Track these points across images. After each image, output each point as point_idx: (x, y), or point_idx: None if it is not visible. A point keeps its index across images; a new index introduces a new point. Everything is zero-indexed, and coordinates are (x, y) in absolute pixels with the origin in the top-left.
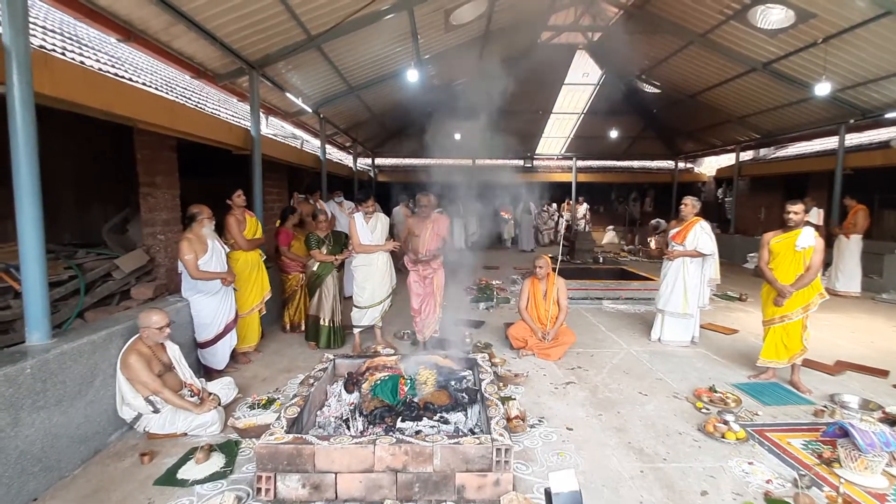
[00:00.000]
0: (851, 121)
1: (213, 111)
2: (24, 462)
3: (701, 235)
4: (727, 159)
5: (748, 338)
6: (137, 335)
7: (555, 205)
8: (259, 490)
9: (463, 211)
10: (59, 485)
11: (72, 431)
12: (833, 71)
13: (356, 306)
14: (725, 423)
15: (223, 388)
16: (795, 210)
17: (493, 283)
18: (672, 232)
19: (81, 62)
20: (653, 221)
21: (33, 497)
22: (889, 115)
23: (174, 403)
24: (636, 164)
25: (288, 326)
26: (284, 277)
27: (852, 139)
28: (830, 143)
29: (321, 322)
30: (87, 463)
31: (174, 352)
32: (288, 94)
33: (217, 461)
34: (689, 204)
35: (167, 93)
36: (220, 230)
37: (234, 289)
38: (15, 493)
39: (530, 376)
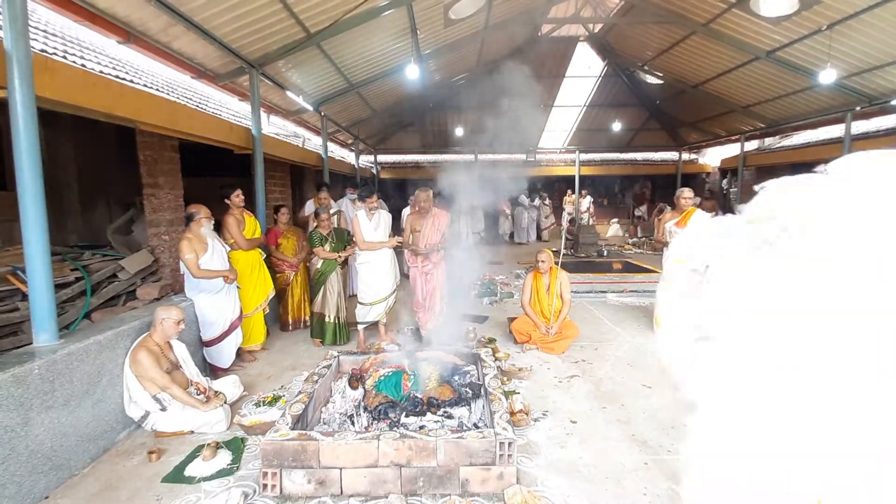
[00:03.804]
0: (858, 108)
1: (214, 111)
2: (34, 461)
3: (699, 221)
4: (732, 149)
5: None
6: (147, 333)
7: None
8: (265, 486)
9: (466, 207)
10: (69, 483)
11: (80, 430)
12: (838, 58)
13: (360, 303)
14: None
15: (229, 386)
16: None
17: (497, 277)
18: (672, 222)
19: (83, 65)
20: (659, 206)
21: (44, 495)
22: None
23: (182, 400)
24: (639, 156)
25: (281, 325)
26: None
27: (859, 127)
28: (837, 131)
29: (326, 319)
30: (96, 461)
31: (181, 350)
32: (288, 93)
33: (223, 458)
34: (687, 195)
35: (168, 94)
36: (220, 230)
37: (237, 286)
38: (26, 491)
39: (534, 370)
